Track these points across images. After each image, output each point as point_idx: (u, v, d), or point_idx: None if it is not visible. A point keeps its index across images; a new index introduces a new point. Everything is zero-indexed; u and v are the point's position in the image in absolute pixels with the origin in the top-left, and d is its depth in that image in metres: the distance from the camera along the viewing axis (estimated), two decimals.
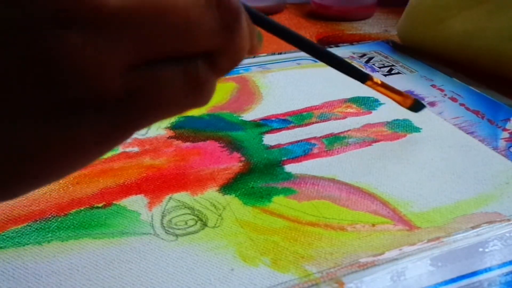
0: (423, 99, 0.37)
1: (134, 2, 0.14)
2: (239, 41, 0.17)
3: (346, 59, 0.44)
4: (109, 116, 0.15)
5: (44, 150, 0.14)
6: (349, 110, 0.35)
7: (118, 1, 0.14)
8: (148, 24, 0.14)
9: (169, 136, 0.31)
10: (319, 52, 0.26)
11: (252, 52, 0.20)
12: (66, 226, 0.24)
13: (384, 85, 0.30)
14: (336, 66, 0.27)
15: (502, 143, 0.31)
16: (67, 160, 0.15)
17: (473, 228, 0.24)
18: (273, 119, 0.34)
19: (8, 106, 0.13)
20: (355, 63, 0.44)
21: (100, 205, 0.25)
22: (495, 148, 0.31)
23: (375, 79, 0.29)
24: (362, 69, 0.42)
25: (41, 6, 0.13)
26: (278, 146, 0.31)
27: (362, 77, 0.29)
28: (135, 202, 0.25)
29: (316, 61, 0.42)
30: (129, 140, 0.31)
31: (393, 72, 0.42)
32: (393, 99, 0.31)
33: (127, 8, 0.14)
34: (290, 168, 0.29)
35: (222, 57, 0.17)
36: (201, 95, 0.17)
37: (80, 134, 0.15)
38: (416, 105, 0.32)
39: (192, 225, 0.24)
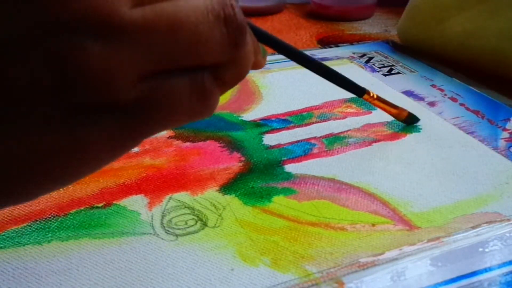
0: (423, 99, 0.37)
1: (150, 16, 0.15)
2: (244, 56, 0.18)
3: (346, 59, 0.44)
4: (120, 123, 0.15)
5: (57, 154, 0.15)
6: (349, 110, 0.35)
7: (135, 14, 0.15)
8: (161, 37, 0.15)
9: (169, 136, 0.31)
10: (321, 68, 0.27)
11: (257, 67, 0.21)
12: (66, 226, 0.24)
13: (380, 99, 0.31)
14: (336, 82, 0.28)
15: (502, 143, 0.31)
16: (78, 164, 0.16)
17: (473, 228, 0.24)
18: (273, 119, 0.34)
19: (24, 111, 0.14)
20: (355, 63, 0.44)
21: (100, 205, 0.25)
22: (495, 148, 0.31)
23: (371, 93, 0.30)
24: (363, 70, 0.42)
25: (59, 14, 0.13)
26: (278, 146, 0.31)
27: (359, 92, 0.30)
28: (135, 202, 0.25)
29: None
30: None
31: (393, 72, 0.42)
32: (389, 113, 0.33)
33: (144, 21, 0.15)
34: (290, 168, 0.29)
35: (228, 70, 0.18)
36: (206, 106, 0.18)
37: (91, 140, 0.15)
38: (411, 118, 0.33)
39: (192, 225, 0.24)
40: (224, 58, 0.17)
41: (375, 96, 0.31)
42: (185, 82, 0.16)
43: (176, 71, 0.16)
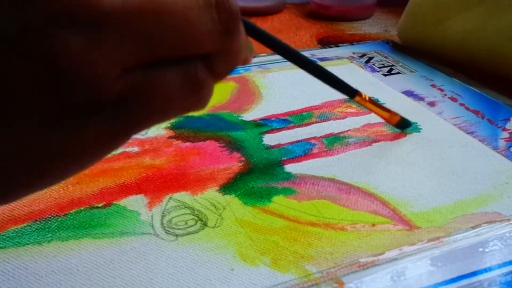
0: (423, 99, 0.37)
1: (133, 4, 0.14)
2: (236, 44, 0.17)
3: (346, 59, 0.44)
4: (109, 118, 0.15)
5: (46, 153, 0.14)
6: (349, 110, 0.35)
7: (117, 3, 0.14)
8: (147, 26, 0.14)
9: (169, 136, 0.31)
10: (310, 66, 0.26)
11: (244, 63, 0.20)
12: (66, 226, 0.24)
13: (372, 102, 0.31)
14: (327, 81, 0.27)
15: (502, 143, 0.31)
16: (68, 162, 0.15)
17: (473, 228, 0.24)
18: (273, 119, 0.34)
19: (11, 110, 0.13)
20: (355, 63, 0.44)
21: (100, 205, 0.25)
22: (495, 148, 0.31)
23: (363, 95, 0.30)
24: (363, 70, 0.42)
25: (41, 9, 0.13)
26: (278, 146, 0.31)
27: (351, 93, 0.29)
28: (135, 202, 0.25)
29: (316, 61, 0.42)
30: (129, 140, 0.31)
31: (393, 72, 0.42)
32: (381, 116, 0.32)
33: (126, 10, 0.14)
34: (290, 168, 0.29)
35: (220, 60, 0.17)
36: (200, 97, 0.17)
37: (80, 136, 0.15)
38: (403, 123, 0.32)
39: (192, 225, 0.24)
40: (215, 46, 0.16)
41: (367, 98, 0.30)
42: (176, 73, 0.16)
43: (166, 62, 0.15)
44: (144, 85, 0.15)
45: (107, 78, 0.14)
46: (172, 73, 0.16)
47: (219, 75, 0.18)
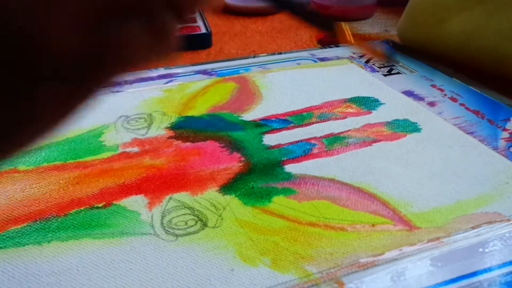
0: (423, 99, 0.37)
1: None
2: None
3: (346, 59, 0.44)
4: (71, 78, 0.14)
5: (6, 121, 0.14)
6: (349, 110, 0.35)
7: None
8: None
9: (169, 136, 0.31)
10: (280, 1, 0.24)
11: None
12: (66, 226, 0.24)
13: (354, 34, 0.28)
14: (299, 15, 0.25)
15: (502, 143, 0.31)
16: (35, 130, 0.14)
17: (473, 228, 0.24)
18: (273, 119, 0.34)
19: None
20: (355, 63, 0.43)
21: (100, 205, 0.25)
22: (495, 148, 0.31)
23: (343, 25, 0.27)
24: (363, 70, 0.42)
25: None
26: (278, 146, 0.31)
27: (328, 26, 0.27)
28: (135, 202, 0.25)
29: (316, 61, 0.42)
30: (129, 140, 0.31)
31: (393, 72, 0.42)
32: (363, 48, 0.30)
33: None
34: (290, 168, 0.29)
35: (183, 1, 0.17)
36: (167, 44, 0.16)
37: (43, 100, 0.14)
38: (388, 58, 0.31)
39: (192, 225, 0.24)
40: None
41: (348, 30, 0.28)
42: (141, 25, 0.15)
43: (129, 16, 0.15)
44: (107, 41, 0.14)
45: (63, 37, 0.13)
46: (136, 25, 0.15)
47: (182, 15, 0.17)
